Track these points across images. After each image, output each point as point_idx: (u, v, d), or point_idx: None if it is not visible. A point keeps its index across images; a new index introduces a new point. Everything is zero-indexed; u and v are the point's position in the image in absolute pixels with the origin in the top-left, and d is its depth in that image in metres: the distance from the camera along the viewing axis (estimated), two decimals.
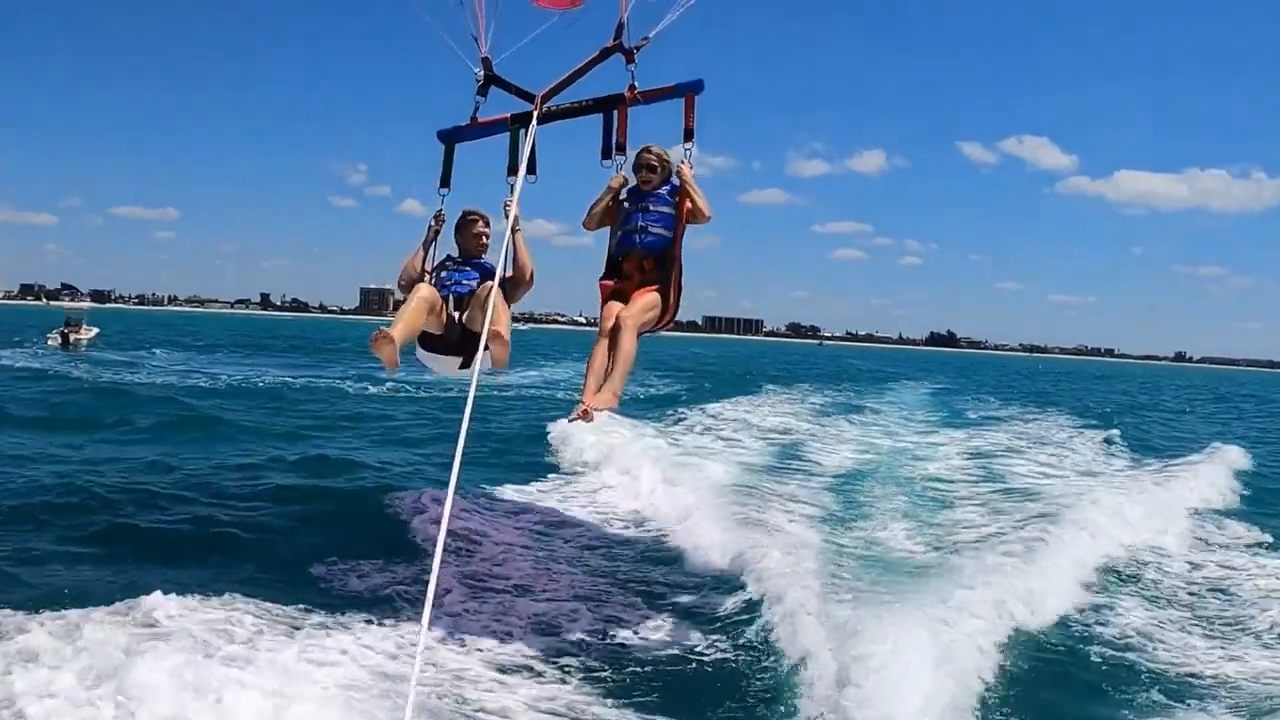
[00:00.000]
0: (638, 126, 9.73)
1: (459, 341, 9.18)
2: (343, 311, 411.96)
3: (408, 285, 9.36)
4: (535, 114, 9.41)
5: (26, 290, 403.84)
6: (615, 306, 9.02)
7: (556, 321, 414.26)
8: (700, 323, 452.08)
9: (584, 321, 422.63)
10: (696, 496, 16.38)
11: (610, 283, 9.36)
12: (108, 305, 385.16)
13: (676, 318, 9.71)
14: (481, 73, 9.73)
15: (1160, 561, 13.93)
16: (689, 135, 9.47)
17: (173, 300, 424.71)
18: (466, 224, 9.69)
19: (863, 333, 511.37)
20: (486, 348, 7.96)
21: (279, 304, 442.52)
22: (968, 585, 10.56)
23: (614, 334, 8.81)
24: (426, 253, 9.66)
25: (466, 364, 9.06)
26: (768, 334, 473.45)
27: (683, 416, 34.43)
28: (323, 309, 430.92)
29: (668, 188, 9.39)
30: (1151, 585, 12.61)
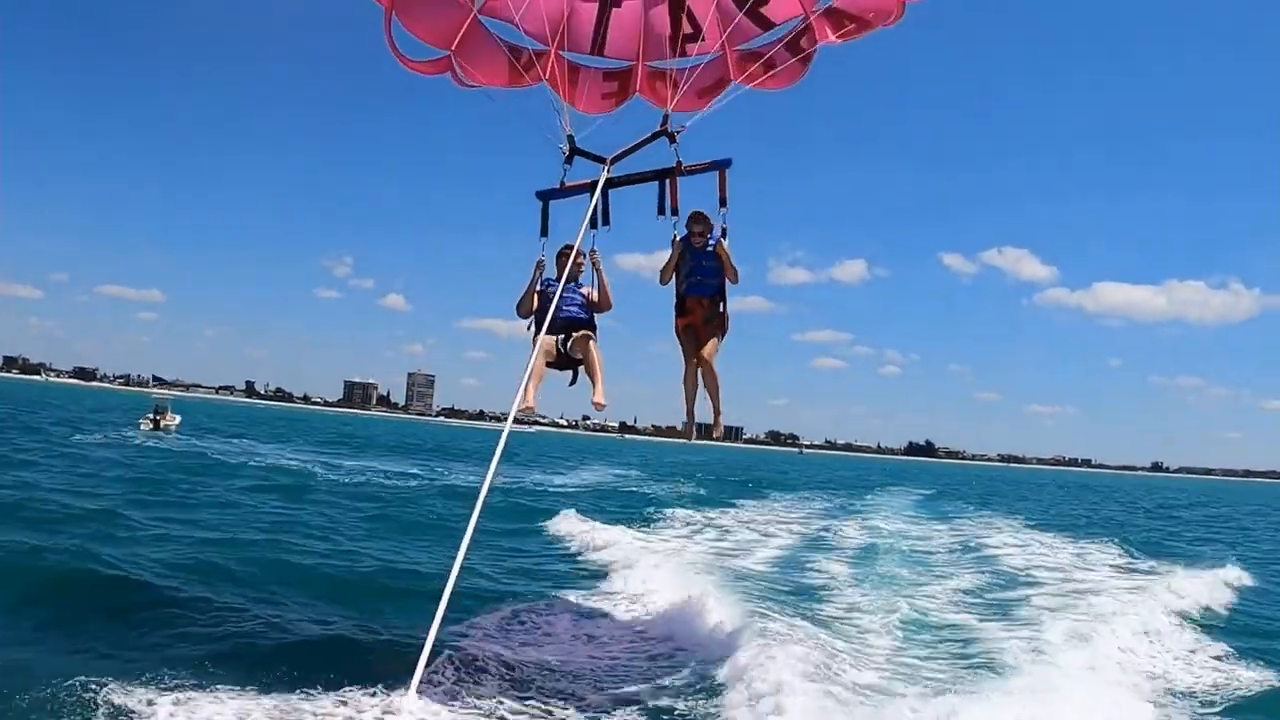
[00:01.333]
0: (685, 192, 12.81)
1: (565, 364, 12.19)
2: (326, 403, 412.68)
3: (526, 312, 12.45)
4: (605, 174, 12.27)
5: (10, 363, 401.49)
6: (691, 341, 12.48)
7: (537, 423, 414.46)
8: (680, 428, 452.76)
9: (565, 423, 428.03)
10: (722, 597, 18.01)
11: (682, 320, 12.63)
12: (93, 384, 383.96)
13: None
14: (567, 147, 12.67)
15: None
16: (723, 202, 12.47)
17: (157, 382, 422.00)
18: (564, 255, 12.19)
19: (841, 441, 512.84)
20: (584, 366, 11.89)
21: (263, 392, 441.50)
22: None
23: (700, 368, 12.41)
24: (534, 287, 12.53)
25: (574, 381, 12.31)
26: (747, 441, 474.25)
27: (706, 518, 38.02)
28: (306, 400, 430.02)
29: (710, 238, 12.49)
30: None
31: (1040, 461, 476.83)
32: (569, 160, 12.64)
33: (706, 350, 12.32)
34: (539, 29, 13.08)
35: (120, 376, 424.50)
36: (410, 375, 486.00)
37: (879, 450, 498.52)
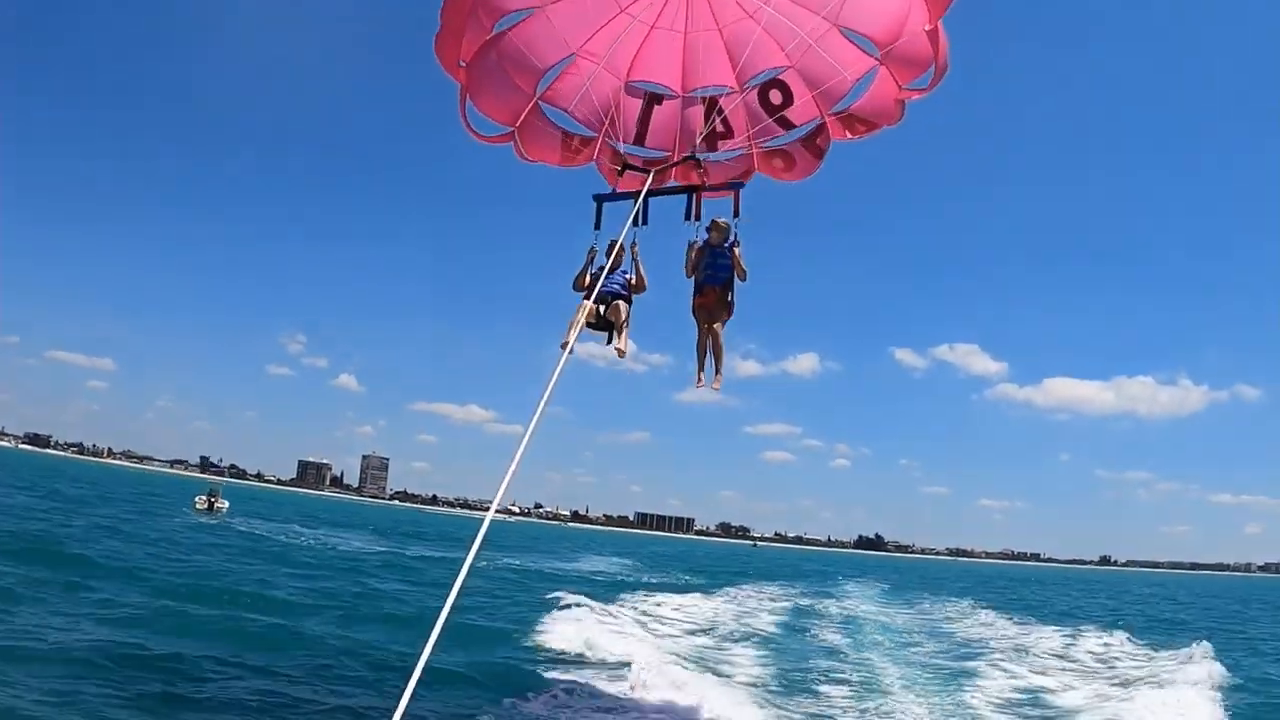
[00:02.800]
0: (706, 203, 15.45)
1: (602, 326, 14.15)
2: (280, 482, 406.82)
3: (579, 287, 14.72)
4: (648, 183, 14.72)
5: None
6: (704, 317, 15.07)
7: (488, 509, 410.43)
8: (632, 518, 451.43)
9: (518, 511, 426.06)
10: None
11: (699, 300, 15.15)
12: (47, 451, 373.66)
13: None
14: (622, 164, 15.34)
15: None
16: (736, 214, 15.11)
17: (110, 453, 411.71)
18: (613, 247, 14.35)
19: (792, 534, 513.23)
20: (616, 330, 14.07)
21: (217, 468, 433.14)
22: None
23: (711, 336, 14.92)
24: (586, 269, 14.89)
25: (608, 341, 14.29)
26: (698, 532, 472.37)
27: (682, 605, 39.79)
28: (260, 478, 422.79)
29: (727, 244, 15.04)
30: None
31: (989, 555, 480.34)
32: (620, 173, 15.28)
33: (716, 325, 15.01)
34: (589, 118, 15.11)
35: (73, 444, 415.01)
36: (365, 458, 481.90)
37: (829, 543, 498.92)
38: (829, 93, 14.98)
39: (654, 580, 61.81)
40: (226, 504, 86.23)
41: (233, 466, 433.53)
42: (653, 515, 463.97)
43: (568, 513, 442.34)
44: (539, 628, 27.82)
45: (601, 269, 14.23)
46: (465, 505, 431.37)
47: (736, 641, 28.73)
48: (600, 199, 15.16)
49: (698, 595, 46.85)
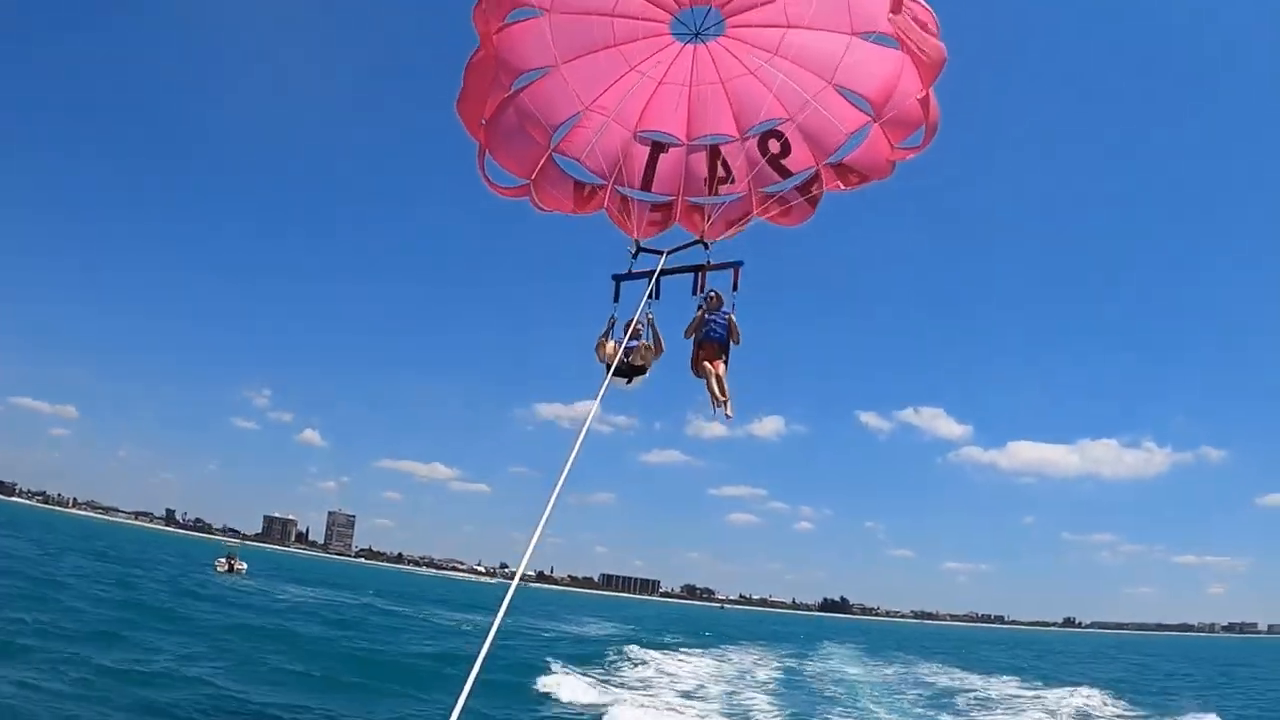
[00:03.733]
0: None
1: (627, 372, 15.57)
2: (245, 537, 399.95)
3: (601, 350, 15.88)
4: (661, 263, 16.13)
5: None
6: (705, 364, 16.45)
7: (456, 569, 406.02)
8: (598, 580, 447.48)
9: (483, 571, 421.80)
10: None
11: (700, 353, 16.53)
12: (14, 499, 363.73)
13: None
14: (635, 246, 16.54)
15: None
16: (734, 288, 16.55)
17: (75, 503, 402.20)
18: (635, 322, 15.84)
19: (756, 597, 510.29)
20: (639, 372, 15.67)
21: (182, 521, 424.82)
22: None
23: (714, 378, 16.27)
24: (608, 334, 16.08)
25: (629, 382, 15.73)
26: (663, 594, 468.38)
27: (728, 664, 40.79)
28: (225, 531, 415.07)
29: (723, 310, 16.60)
30: None
31: (954, 618, 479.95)
32: (635, 256, 16.50)
33: (718, 369, 16.48)
34: (599, 167, 16.01)
35: (38, 493, 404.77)
36: (331, 514, 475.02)
37: (794, 606, 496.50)
38: (824, 144, 16.03)
39: (648, 640, 62.49)
40: (245, 566, 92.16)
41: (198, 520, 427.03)
42: (618, 576, 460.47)
43: (533, 573, 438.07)
44: (541, 690, 28.47)
45: (622, 341, 15.70)
46: (431, 564, 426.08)
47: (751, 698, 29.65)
48: (618, 279, 16.52)
49: (695, 655, 47.88)
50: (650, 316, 16.20)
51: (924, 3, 15.23)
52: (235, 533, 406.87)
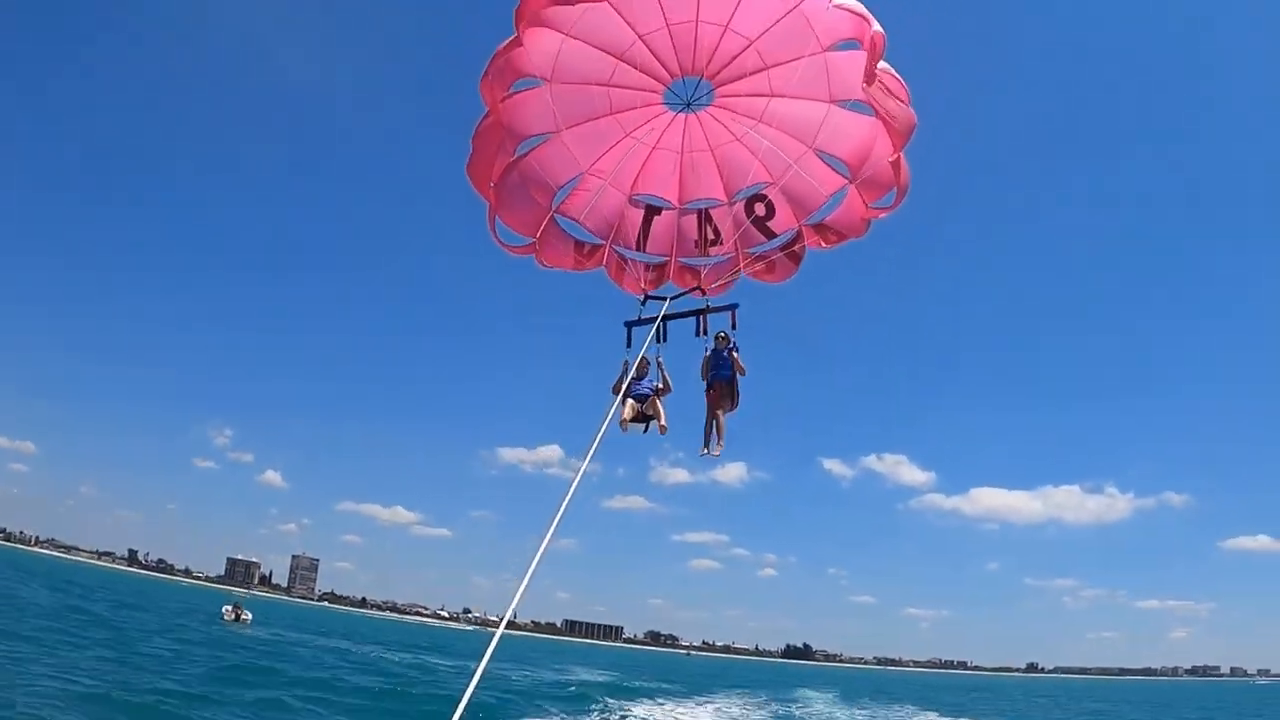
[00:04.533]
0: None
1: (640, 419, 16.88)
2: (207, 579, 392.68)
3: (617, 390, 16.49)
4: (664, 309, 17.35)
5: None
6: (712, 405, 17.67)
7: (420, 614, 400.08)
8: (560, 625, 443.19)
9: (447, 616, 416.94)
10: None
11: (710, 393, 17.70)
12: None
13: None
14: (644, 295, 17.75)
15: None
16: (733, 327, 17.70)
17: (37, 541, 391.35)
18: (642, 362, 17.00)
19: (720, 643, 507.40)
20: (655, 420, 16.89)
21: (144, 562, 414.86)
22: None
23: (716, 420, 17.58)
24: (622, 378, 16.77)
25: (646, 429, 17.03)
26: (627, 640, 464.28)
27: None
28: (188, 573, 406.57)
29: (727, 351, 17.67)
30: None
31: (916, 664, 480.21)
32: (643, 304, 17.74)
33: (721, 410, 17.77)
34: (598, 228, 17.00)
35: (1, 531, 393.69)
36: (295, 557, 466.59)
37: (758, 652, 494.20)
38: (806, 205, 17.15)
39: (633, 688, 62.89)
40: (250, 615, 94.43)
41: (161, 561, 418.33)
42: (581, 622, 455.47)
43: (496, 618, 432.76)
44: None
45: (636, 378, 16.97)
46: (395, 609, 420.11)
47: None
48: (630, 324, 17.75)
49: (685, 703, 48.49)
50: (659, 359, 17.52)
51: (895, 74, 16.46)
52: (197, 575, 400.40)
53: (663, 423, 17.00)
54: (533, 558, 12.19)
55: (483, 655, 10.65)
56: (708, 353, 17.98)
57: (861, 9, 15.55)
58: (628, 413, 16.48)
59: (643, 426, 17.05)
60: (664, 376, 17.50)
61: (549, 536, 12.25)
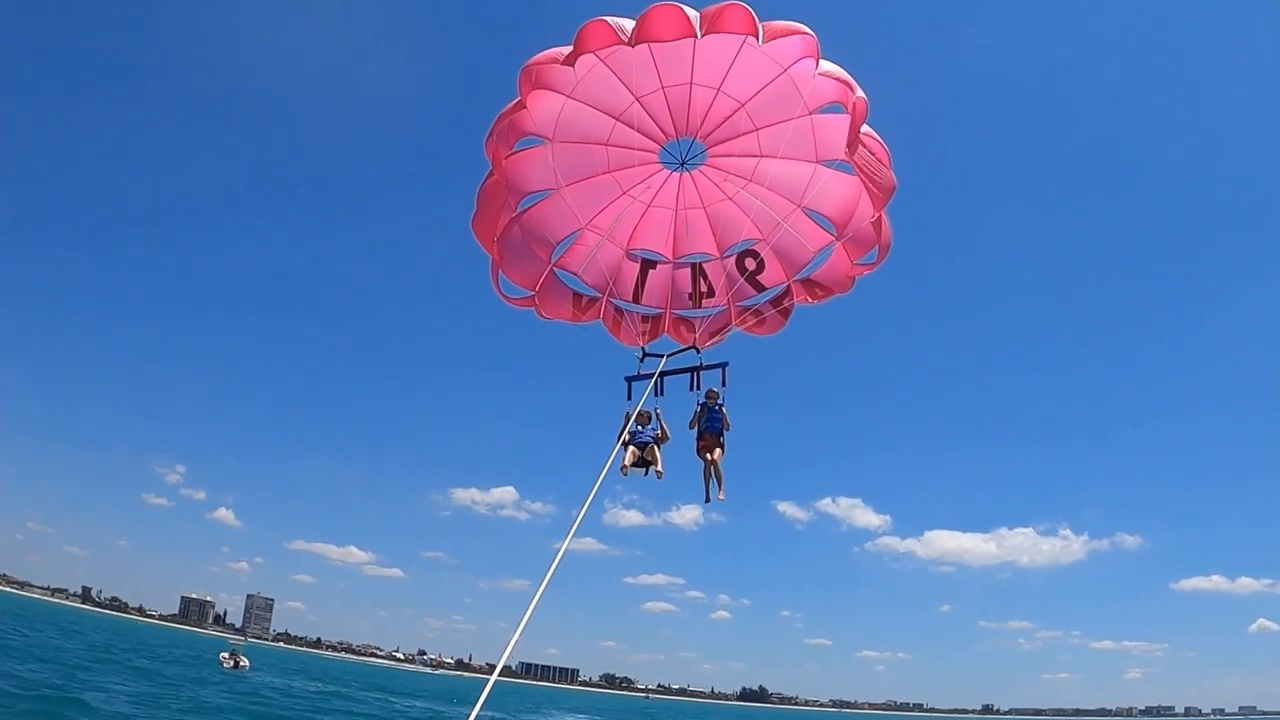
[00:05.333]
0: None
1: (641, 464, 17.78)
2: (161, 618, 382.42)
3: (621, 438, 17.55)
4: (661, 365, 18.16)
5: None
6: (704, 453, 18.48)
7: (374, 656, 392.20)
8: (516, 668, 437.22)
9: (402, 657, 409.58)
10: None
11: (700, 444, 18.49)
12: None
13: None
14: (642, 352, 18.47)
15: None
16: (723, 384, 18.60)
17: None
18: (642, 414, 18.00)
19: (676, 686, 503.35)
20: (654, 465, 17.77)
21: (98, 600, 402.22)
22: None
23: (712, 466, 18.41)
24: (625, 427, 17.74)
25: (645, 473, 17.86)
26: (582, 683, 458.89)
27: None
28: (142, 612, 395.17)
29: (717, 405, 18.58)
30: None
31: (872, 706, 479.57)
32: (641, 360, 18.54)
33: (714, 456, 18.64)
34: (595, 281, 17.56)
35: None
36: (250, 597, 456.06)
37: (713, 695, 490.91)
38: (794, 261, 17.86)
39: None
40: (248, 661, 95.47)
41: (114, 598, 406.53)
42: (537, 665, 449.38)
43: (452, 660, 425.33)
44: None
45: (637, 428, 17.94)
46: (350, 649, 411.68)
47: None
48: (630, 380, 18.65)
49: None
50: (658, 410, 18.47)
51: (877, 137, 17.31)
52: (150, 613, 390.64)
53: (659, 468, 17.91)
54: (528, 605, 12.64)
55: (476, 700, 11.08)
56: (699, 406, 18.75)
57: (846, 76, 16.38)
58: (629, 458, 17.38)
59: (643, 470, 18.00)
60: (663, 426, 18.42)
61: (548, 577, 12.70)
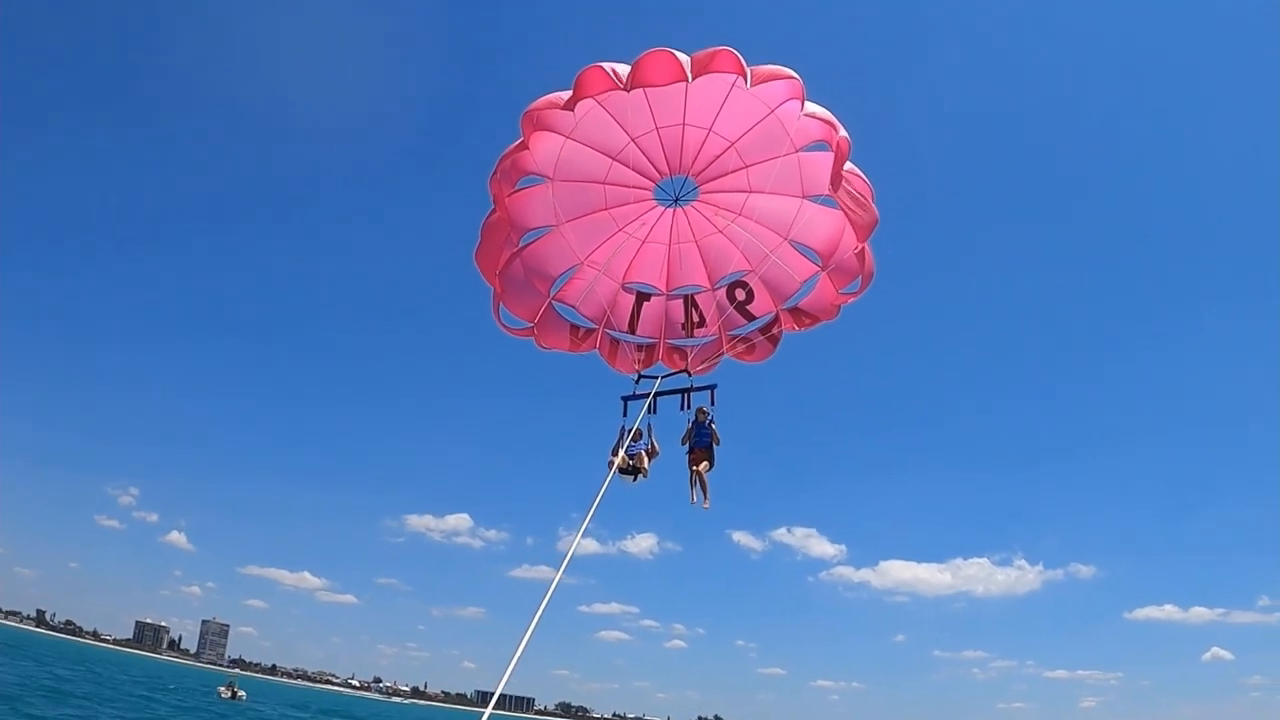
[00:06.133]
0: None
1: (630, 470, 18.73)
2: (115, 642, 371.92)
3: (614, 453, 18.57)
4: (656, 387, 19.21)
5: None
6: (694, 464, 19.67)
7: (330, 683, 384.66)
8: (471, 696, 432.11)
9: (358, 685, 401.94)
10: None
11: (691, 457, 19.63)
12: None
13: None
14: (638, 375, 19.54)
15: None
16: (711, 403, 19.75)
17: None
18: (636, 431, 18.86)
19: (632, 715, 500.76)
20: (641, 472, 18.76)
21: (52, 624, 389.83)
22: None
23: (699, 479, 19.61)
24: (619, 442, 18.81)
25: (634, 480, 18.83)
26: (539, 712, 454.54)
27: None
28: (96, 636, 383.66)
29: (706, 423, 19.74)
30: None
31: None
32: (637, 382, 19.67)
33: (702, 469, 19.91)
34: (592, 313, 18.30)
35: None
36: (205, 622, 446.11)
37: None
38: (781, 291, 18.69)
39: None
40: (245, 694, 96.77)
41: (68, 622, 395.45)
42: (491, 694, 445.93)
43: (407, 688, 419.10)
44: None
45: (625, 442, 18.67)
46: (305, 677, 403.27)
47: None
48: (626, 399, 19.78)
49: None
50: (650, 427, 19.52)
51: (860, 173, 18.24)
52: (105, 637, 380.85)
53: (644, 472, 19.15)
54: (521, 637, 13.21)
55: None
56: (690, 424, 19.72)
57: (830, 116, 17.29)
58: (620, 464, 18.41)
59: (631, 478, 19.03)
60: (653, 442, 19.72)
61: (542, 608, 13.30)
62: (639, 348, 19.12)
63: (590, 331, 18.77)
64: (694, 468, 19.90)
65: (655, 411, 19.45)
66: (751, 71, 16.43)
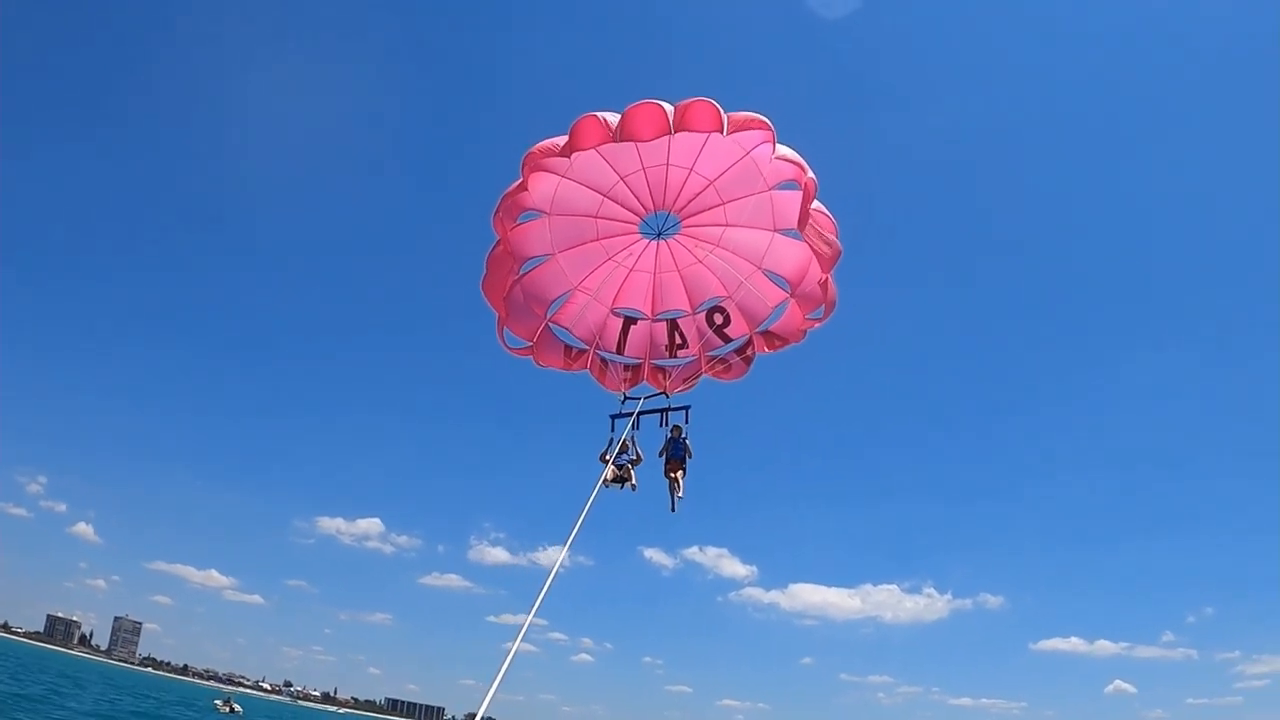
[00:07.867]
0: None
1: (619, 479, 20.48)
2: (26, 635, 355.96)
3: (603, 460, 20.22)
4: (640, 406, 21.23)
5: None
6: (671, 474, 21.45)
7: (240, 684, 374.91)
8: (382, 703, 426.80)
9: (268, 688, 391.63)
10: None
11: (667, 467, 21.38)
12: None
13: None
14: (623, 395, 21.35)
15: None
16: (686, 421, 21.50)
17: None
18: (623, 443, 20.87)
19: None
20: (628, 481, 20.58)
21: None
22: None
23: (674, 482, 21.40)
24: (610, 451, 20.38)
25: (621, 487, 20.63)
26: None
27: None
28: (7, 628, 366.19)
29: (681, 439, 21.47)
30: None
31: None
32: (623, 402, 21.51)
33: (677, 476, 21.65)
34: (584, 335, 20.06)
35: None
36: (118, 619, 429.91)
37: None
38: (754, 315, 20.59)
39: None
40: (240, 708, 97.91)
41: None
42: (404, 701, 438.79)
43: (318, 693, 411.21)
44: None
45: (613, 453, 20.46)
46: (216, 678, 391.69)
47: None
48: (614, 417, 21.66)
49: None
50: (634, 440, 21.32)
51: (825, 211, 20.12)
52: (15, 629, 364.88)
53: (633, 483, 21.06)
54: (510, 647, 14.51)
55: None
56: (667, 439, 21.57)
57: (799, 159, 19.18)
58: (610, 474, 20.21)
59: (619, 485, 20.89)
60: (637, 452, 21.70)
61: (531, 615, 14.75)
62: (626, 367, 20.88)
63: (582, 352, 20.55)
64: (671, 475, 21.74)
65: (638, 427, 21.09)
66: (728, 118, 18.18)
